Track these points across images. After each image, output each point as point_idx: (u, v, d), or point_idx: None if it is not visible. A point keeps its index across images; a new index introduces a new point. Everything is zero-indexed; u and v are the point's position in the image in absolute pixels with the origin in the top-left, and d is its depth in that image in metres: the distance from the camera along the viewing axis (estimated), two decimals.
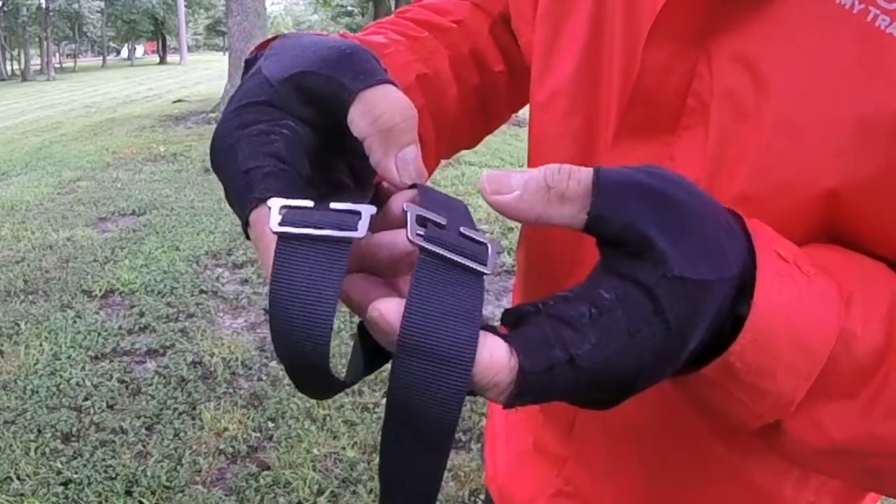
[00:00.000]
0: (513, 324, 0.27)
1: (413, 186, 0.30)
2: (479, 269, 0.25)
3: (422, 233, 0.25)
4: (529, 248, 0.54)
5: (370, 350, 0.29)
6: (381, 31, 0.52)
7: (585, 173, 0.26)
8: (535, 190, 0.26)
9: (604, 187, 0.26)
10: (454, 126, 0.54)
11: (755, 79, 0.35)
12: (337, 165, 0.33)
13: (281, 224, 0.25)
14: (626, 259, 0.26)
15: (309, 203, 0.26)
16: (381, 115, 0.29)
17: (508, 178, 0.27)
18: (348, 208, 0.26)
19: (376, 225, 0.28)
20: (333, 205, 0.26)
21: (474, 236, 0.26)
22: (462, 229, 0.26)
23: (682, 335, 0.25)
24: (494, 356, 0.24)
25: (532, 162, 0.50)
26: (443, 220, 0.26)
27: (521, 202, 0.26)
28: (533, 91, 0.48)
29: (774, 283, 0.27)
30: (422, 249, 0.25)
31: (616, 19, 0.41)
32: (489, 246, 0.26)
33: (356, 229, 0.25)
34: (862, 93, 0.31)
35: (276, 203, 0.26)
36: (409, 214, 0.26)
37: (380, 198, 0.31)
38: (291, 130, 0.29)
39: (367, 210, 0.26)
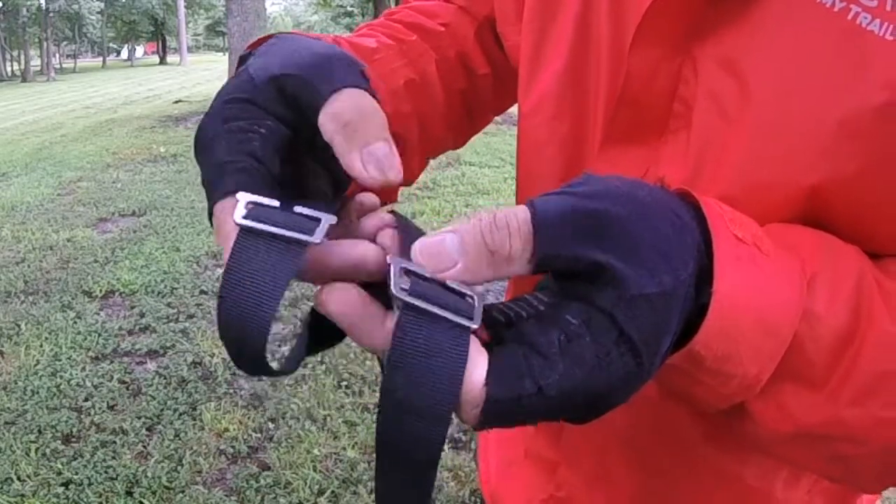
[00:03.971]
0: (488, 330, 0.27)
1: (395, 223, 0.29)
2: (465, 323, 0.24)
3: (406, 286, 0.25)
4: (518, 280, 0.54)
5: (317, 333, 0.30)
6: (373, 34, 0.52)
7: (524, 221, 0.25)
8: (478, 257, 0.25)
9: (543, 229, 0.25)
10: (440, 129, 0.55)
11: (738, 81, 0.35)
12: (311, 166, 0.33)
13: (244, 217, 0.26)
14: (584, 284, 0.25)
15: (275, 202, 0.27)
16: (344, 114, 0.29)
17: (443, 247, 0.25)
18: (311, 214, 0.27)
19: (340, 236, 0.29)
20: (297, 208, 0.27)
21: (459, 288, 0.25)
22: (449, 281, 0.25)
23: (650, 350, 0.25)
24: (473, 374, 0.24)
25: (521, 169, 0.50)
26: (426, 272, 0.25)
27: (468, 273, 0.25)
28: (520, 98, 0.48)
29: (733, 267, 0.27)
30: (406, 304, 0.24)
31: (602, 22, 0.41)
32: (475, 298, 0.25)
33: (313, 234, 0.26)
34: (844, 91, 0.32)
35: (244, 197, 0.27)
36: (392, 267, 0.25)
37: (348, 211, 0.32)
38: (269, 129, 0.31)
39: (327, 219, 0.27)
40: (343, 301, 0.26)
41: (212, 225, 0.30)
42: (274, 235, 0.26)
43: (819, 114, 0.32)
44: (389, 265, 0.25)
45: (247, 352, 0.26)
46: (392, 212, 0.30)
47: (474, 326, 0.24)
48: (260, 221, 0.26)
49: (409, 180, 0.55)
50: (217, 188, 0.30)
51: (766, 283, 0.28)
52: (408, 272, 0.25)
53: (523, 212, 0.26)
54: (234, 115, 0.31)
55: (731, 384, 0.29)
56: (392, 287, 0.24)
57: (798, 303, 0.29)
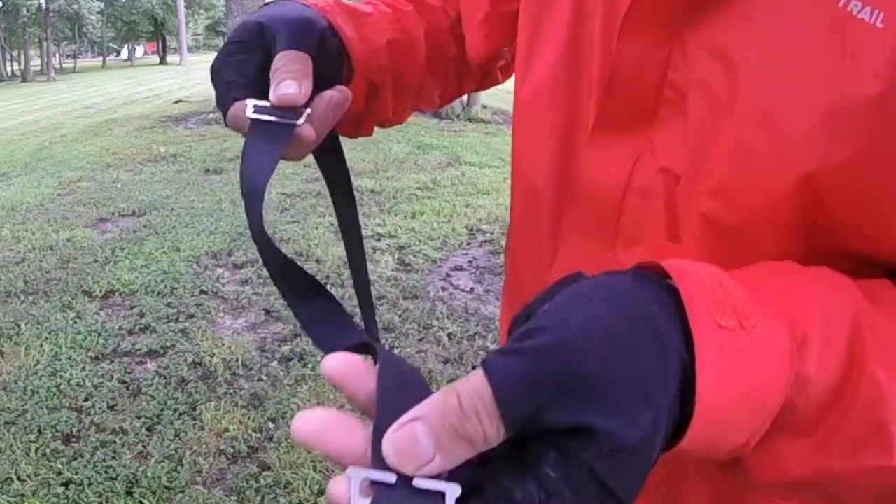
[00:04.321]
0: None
1: (376, 366, 0.28)
2: None
3: (367, 502, 0.24)
4: (513, 254, 0.55)
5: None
6: (373, 3, 0.59)
7: (490, 404, 0.24)
8: (454, 446, 0.24)
9: (510, 408, 0.24)
10: (420, 86, 0.62)
11: (728, 69, 0.35)
12: None
13: (254, 112, 0.42)
14: (564, 436, 0.24)
15: (267, 103, 0.42)
16: (275, 64, 0.44)
17: (415, 442, 0.24)
18: (298, 110, 0.43)
19: None
20: (277, 104, 0.43)
21: (429, 486, 0.24)
22: (416, 482, 0.24)
23: (631, 492, 0.25)
24: None
25: (516, 157, 0.51)
26: (391, 478, 0.24)
27: (445, 464, 0.24)
28: (517, 86, 0.50)
29: (716, 362, 0.26)
30: None
31: (596, 10, 0.42)
32: (446, 491, 0.24)
33: (298, 120, 0.42)
34: (834, 79, 0.31)
35: (251, 101, 0.43)
36: (351, 483, 0.24)
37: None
38: (259, 60, 0.46)
39: (307, 111, 0.43)
40: (308, 430, 0.26)
41: (226, 124, 0.45)
42: (273, 122, 0.42)
43: (809, 102, 0.32)
44: (349, 478, 0.25)
45: (250, 203, 0.38)
46: (368, 346, 0.29)
47: None
48: (262, 114, 0.42)
49: (382, 119, 0.61)
50: (228, 98, 0.44)
51: (751, 365, 0.27)
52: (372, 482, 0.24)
53: (486, 391, 0.24)
54: (235, 51, 0.46)
55: (719, 454, 0.29)
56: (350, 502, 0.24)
57: (787, 375, 0.28)
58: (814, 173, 0.32)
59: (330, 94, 0.45)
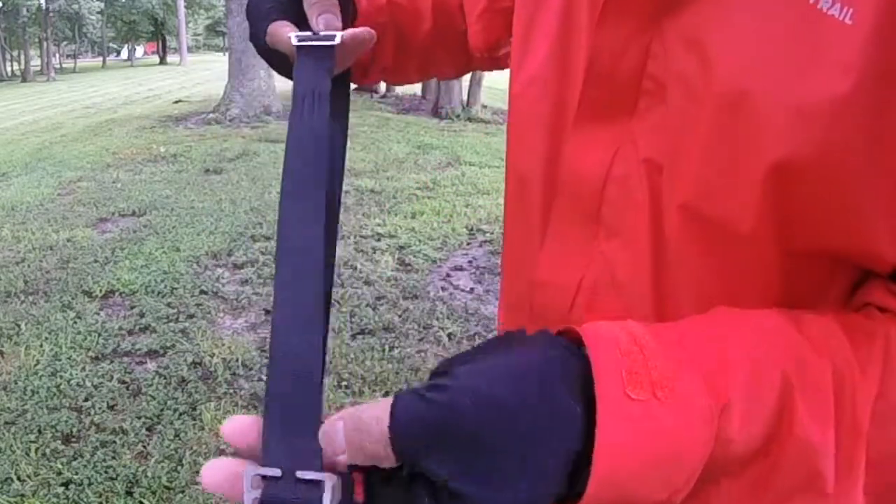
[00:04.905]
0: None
1: None
2: None
3: (258, 494, 0.28)
4: (505, 246, 0.56)
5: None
6: None
7: (382, 431, 0.27)
8: (355, 452, 0.28)
9: (398, 440, 0.27)
10: (427, 52, 0.66)
11: (702, 59, 0.35)
12: None
13: (297, 39, 0.47)
14: (444, 491, 0.27)
15: (309, 33, 0.48)
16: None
17: (336, 436, 0.28)
18: (331, 34, 0.48)
19: None
20: (323, 32, 0.48)
21: (313, 476, 0.28)
22: (299, 473, 0.28)
23: None
24: None
25: (510, 150, 0.52)
26: (277, 472, 0.28)
27: (352, 461, 0.28)
28: (511, 82, 0.50)
29: (619, 433, 0.27)
30: None
31: (582, 5, 0.43)
32: (325, 480, 0.27)
33: (335, 39, 0.47)
34: (805, 73, 0.32)
35: (293, 32, 0.48)
36: (245, 476, 0.28)
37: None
38: None
39: (340, 35, 0.47)
40: (213, 475, 0.30)
41: (258, 48, 0.55)
42: (315, 45, 0.47)
43: (780, 93, 0.33)
44: (244, 474, 0.29)
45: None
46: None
47: None
48: (305, 40, 0.47)
49: (384, 67, 0.65)
50: (266, 20, 0.51)
51: (663, 433, 0.28)
52: (263, 477, 0.28)
53: (385, 415, 0.27)
54: None
55: None
56: (245, 499, 0.28)
57: (707, 438, 0.29)
58: (784, 162, 0.33)
59: (359, 32, 0.50)
